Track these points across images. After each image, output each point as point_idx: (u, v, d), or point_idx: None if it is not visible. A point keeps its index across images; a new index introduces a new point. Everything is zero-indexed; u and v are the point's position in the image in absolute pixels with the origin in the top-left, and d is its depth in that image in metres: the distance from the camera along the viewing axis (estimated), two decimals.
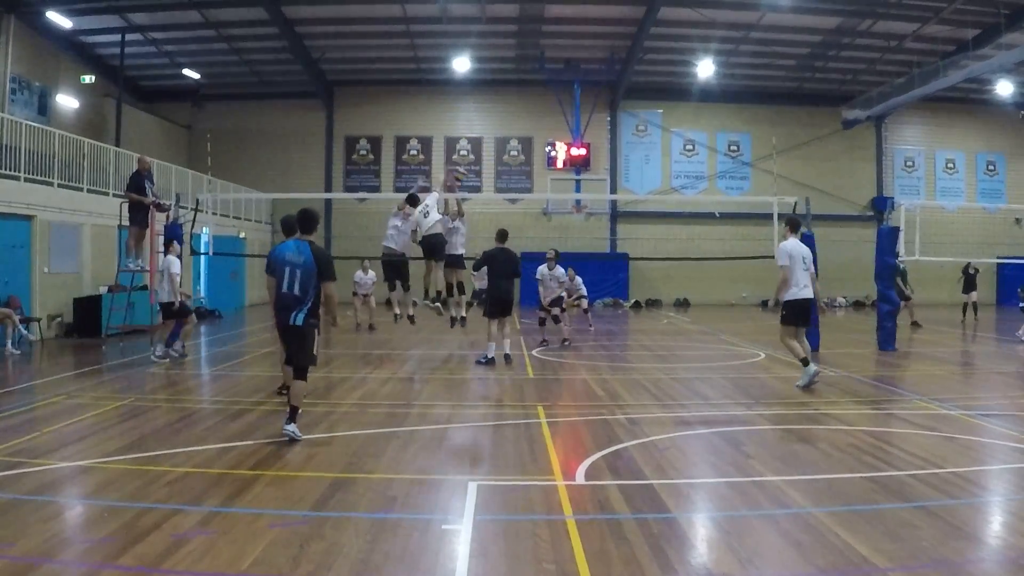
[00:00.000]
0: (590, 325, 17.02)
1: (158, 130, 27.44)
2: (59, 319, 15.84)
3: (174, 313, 12.23)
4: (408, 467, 5.99)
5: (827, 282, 19.15)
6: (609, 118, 29.54)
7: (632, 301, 28.47)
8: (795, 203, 14.09)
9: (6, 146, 14.95)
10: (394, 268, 12.24)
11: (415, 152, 29.79)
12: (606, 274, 27.75)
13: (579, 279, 16.04)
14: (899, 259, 14.62)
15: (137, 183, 13.73)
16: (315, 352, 6.82)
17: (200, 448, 6.46)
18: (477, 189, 29.02)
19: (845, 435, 6.99)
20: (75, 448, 6.40)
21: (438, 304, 11.90)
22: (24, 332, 13.63)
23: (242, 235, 25.09)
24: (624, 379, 10.58)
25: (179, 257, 12.39)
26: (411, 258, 12.38)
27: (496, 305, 11.76)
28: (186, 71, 26.72)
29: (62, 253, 15.97)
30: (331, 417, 7.78)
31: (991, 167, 31.28)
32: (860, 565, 3.96)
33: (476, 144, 29.80)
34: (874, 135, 30.50)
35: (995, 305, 27.89)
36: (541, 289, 14.82)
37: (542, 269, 14.61)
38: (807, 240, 13.72)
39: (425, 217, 11.57)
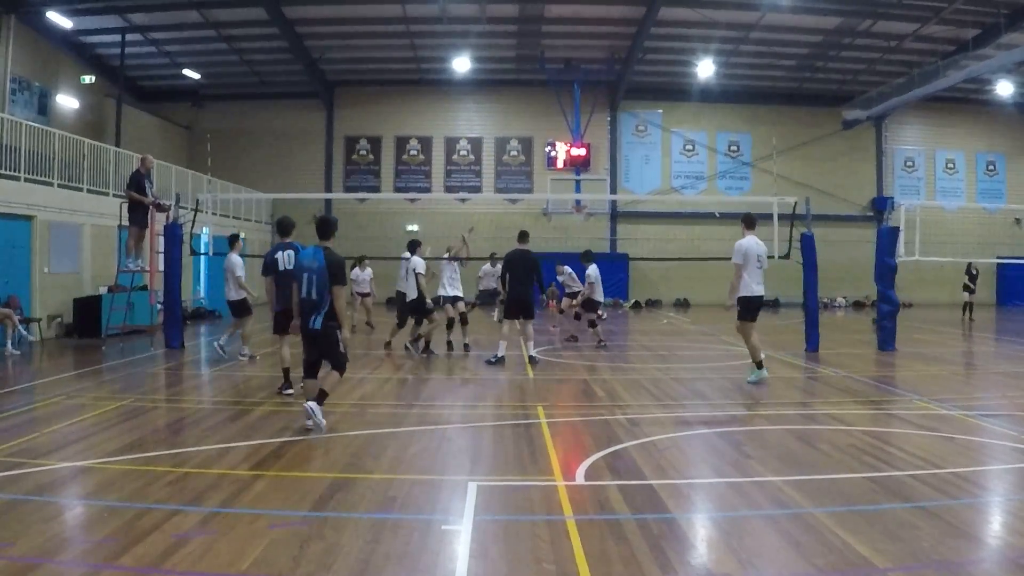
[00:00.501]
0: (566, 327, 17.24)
1: (158, 130, 27.44)
2: (59, 319, 15.84)
3: (247, 310, 12.43)
4: (408, 467, 5.99)
5: (827, 282, 19.18)
6: (609, 118, 29.55)
7: (632, 301, 28.47)
8: (795, 203, 14.09)
9: (6, 146, 14.95)
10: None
11: (415, 152, 29.79)
12: (606, 274, 27.65)
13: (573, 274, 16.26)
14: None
15: (138, 182, 13.72)
16: (343, 350, 7.18)
17: (200, 448, 6.47)
18: (477, 189, 29.05)
19: (845, 435, 6.99)
20: (75, 448, 6.40)
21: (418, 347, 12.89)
22: (24, 332, 13.63)
23: (242, 235, 25.07)
24: (624, 379, 10.58)
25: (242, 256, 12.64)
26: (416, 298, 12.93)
27: (513, 306, 11.91)
28: (186, 71, 26.74)
29: (62, 253, 15.97)
30: (331, 417, 7.77)
31: (991, 167, 31.29)
32: (860, 565, 3.96)
33: (476, 144, 29.81)
34: (874, 135, 30.51)
35: (995, 305, 27.90)
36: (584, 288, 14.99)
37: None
38: (807, 240, 13.80)
39: (406, 280, 12.44)
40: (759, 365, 9.92)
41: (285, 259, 9.02)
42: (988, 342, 16.56)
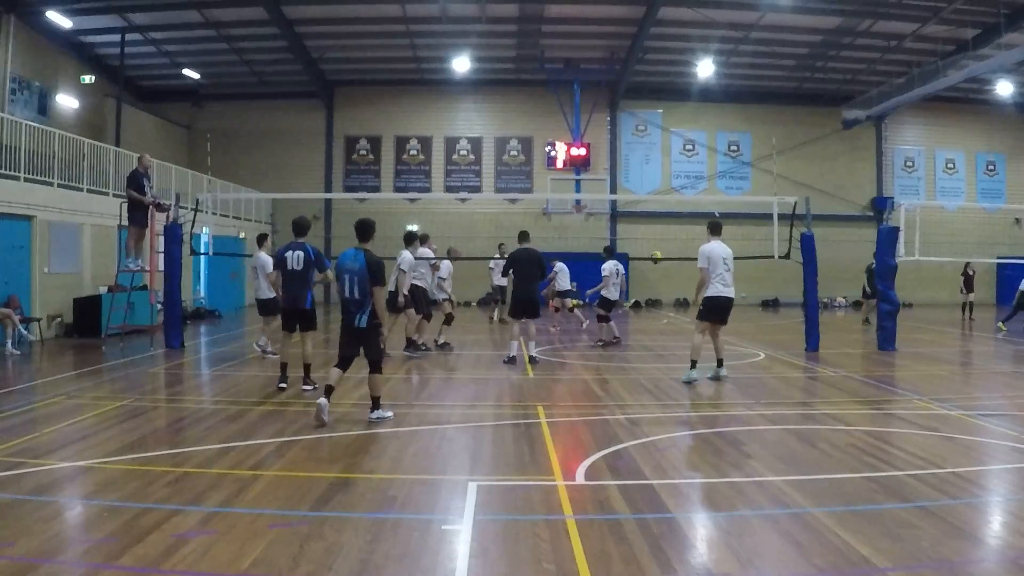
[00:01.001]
0: (567, 324, 17.35)
1: (158, 130, 27.42)
2: (59, 319, 15.84)
3: (276, 308, 12.48)
4: (408, 467, 5.99)
5: (827, 282, 19.17)
6: (609, 118, 29.54)
7: (632, 301, 28.46)
8: (795, 203, 14.09)
9: (6, 146, 14.94)
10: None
11: (415, 152, 29.78)
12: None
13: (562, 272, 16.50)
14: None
15: (137, 181, 13.72)
16: (382, 347, 7.69)
17: (200, 448, 6.47)
18: (477, 189, 29.04)
19: (845, 435, 6.99)
20: (75, 448, 6.40)
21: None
22: (24, 332, 13.62)
23: (242, 235, 25.08)
24: (624, 379, 10.58)
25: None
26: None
27: (519, 305, 11.97)
28: (186, 71, 26.71)
29: (62, 253, 15.97)
30: (331, 417, 7.78)
31: (991, 167, 31.28)
32: (860, 565, 3.96)
33: (476, 144, 29.80)
34: (874, 135, 30.50)
35: (995, 305, 27.89)
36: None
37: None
38: (807, 240, 13.79)
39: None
40: (693, 364, 10.01)
41: (294, 259, 9.14)
42: (988, 342, 16.56)
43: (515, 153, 29.83)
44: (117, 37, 23.52)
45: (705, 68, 26.11)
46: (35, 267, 15.13)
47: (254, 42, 25.48)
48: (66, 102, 23.05)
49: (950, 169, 31.17)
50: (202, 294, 22.48)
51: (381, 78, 29.15)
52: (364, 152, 29.87)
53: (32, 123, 16.44)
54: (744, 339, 15.91)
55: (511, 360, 11.73)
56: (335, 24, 24.43)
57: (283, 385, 9.25)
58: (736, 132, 30.07)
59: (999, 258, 26.38)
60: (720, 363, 10.31)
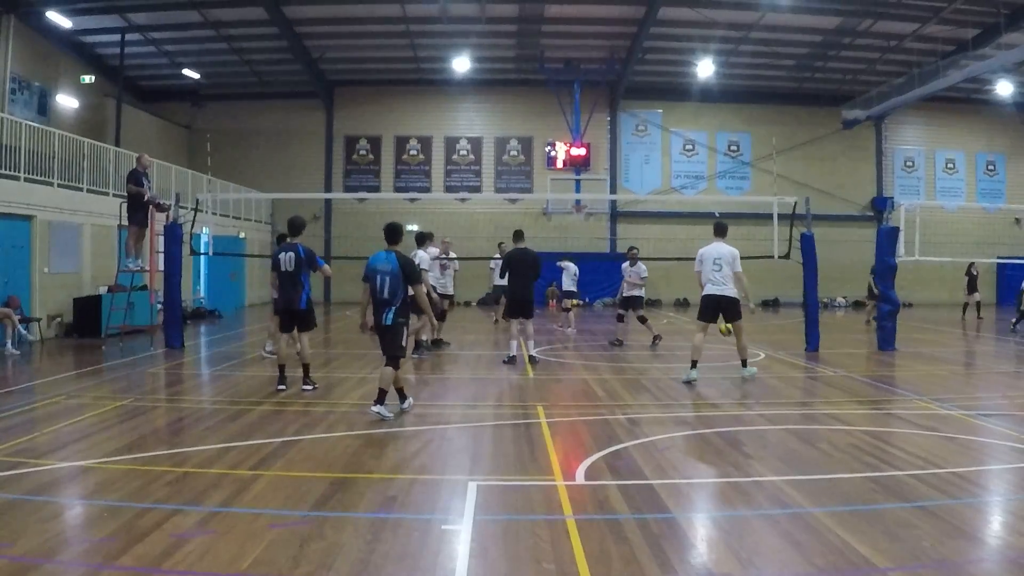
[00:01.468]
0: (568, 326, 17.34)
1: (158, 130, 27.42)
2: (59, 319, 15.84)
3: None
4: (408, 467, 5.99)
5: (827, 282, 19.16)
6: (609, 118, 29.54)
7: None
8: (795, 203, 14.09)
9: (6, 146, 14.94)
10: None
11: (415, 152, 29.78)
12: (606, 274, 27.75)
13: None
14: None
15: (136, 179, 13.71)
16: (403, 344, 7.92)
17: (200, 448, 6.46)
18: (477, 189, 29.04)
19: (845, 435, 6.99)
20: (75, 448, 6.40)
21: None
22: (24, 332, 13.62)
23: (242, 235, 25.09)
24: (624, 379, 10.58)
25: None
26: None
27: (513, 305, 12.00)
28: (186, 71, 26.71)
29: (62, 253, 15.97)
30: (331, 417, 7.78)
31: (991, 167, 31.28)
32: (860, 565, 3.96)
33: (476, 144, 29.80)
34: (874, 135, 30.50)
35: (995, 305, 27.90)
36: (624, 286, 15.16)
37: (624, 266, 15.00)
38: (807, 240, 13.79)
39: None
40: (694, 364, 10.09)
41: (286, 260, 9.14)
42: (988, 342, 16.56)
43: (515, 153, 29.83)
44: (117, 37, 23.54)
45: (705, 68, 26.11)
46: (35, 267, 15.13)
47: (254, 42, 25.49)
48: (66, 102, 23.05)
49: (950, 169, 31.17)
50: (202, 294, 22.48)
51: (381, 78, 29.16)
52: (364, 152, 29.88)
53: (32, 123, 16.44)
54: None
55: (511, 360, 11.74)
56: (335, 24, 24.44)
57: (282, 387, 9.19)
58: (736, 132, 30.07)
59: (999, 258, 26.37)
60: (744, 363, 10.35)
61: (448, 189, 29.25)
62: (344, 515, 4.76)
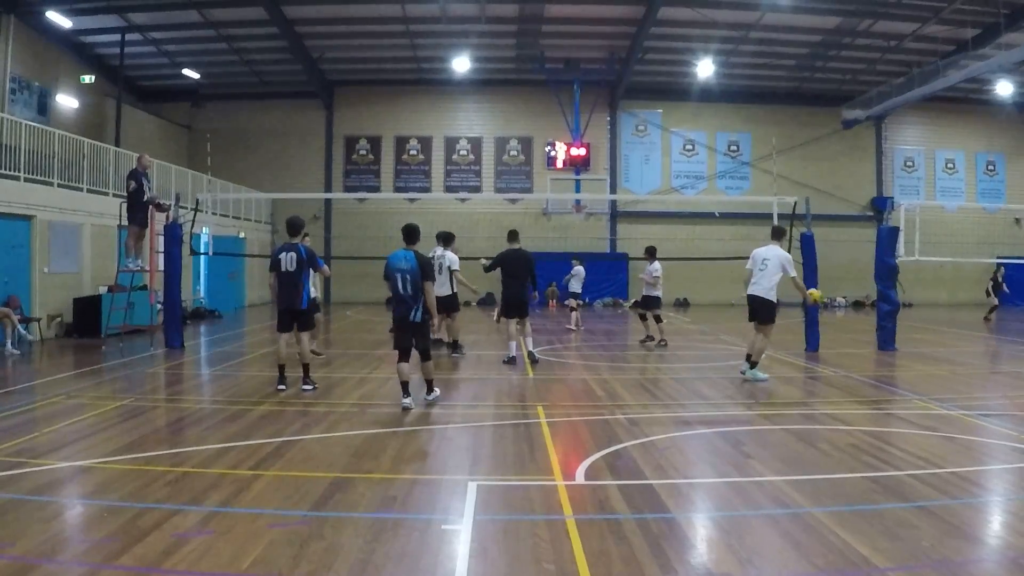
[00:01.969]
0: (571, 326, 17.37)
1: (158, 130, 27.43)
2: (59, 319, 15.84)
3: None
4: (408, 467, 5.99)
5: (827, 282, 19.13)
6: (609, 118, 29.54)
7: (632, 301, 28.43)
8: (795, 203, 14.09)
9: (6, 146, 14.94)
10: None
11: (415, 152, 29.79)
12: (606, 274, 27.77)
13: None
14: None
15: (136, 179, 13.71)
16: (431, 338, 8.57)
17: (200, 448, 6.47)
18: (477, 189, 29.04)
19: (845, 435, 6.99)
20: (75, 448, 6.40)
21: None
22: (24, 332, 13.62)
23: (242, 235, 25.10)
24: (624, 379, 10.58)
25: None
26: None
27: (509, 305, 11.98)
28: (186, 71, 26.72)
29: (62, 253, 15.97)
30: (331, 417, 7.79)
31: (991, 167, 31.29)
32: (860, 565, 3.96)
33: (476, 144, 29.80)
34: (874, 135, 30.51)
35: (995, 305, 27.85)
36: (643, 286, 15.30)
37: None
38: (807, 240, 13.79)
39: (439, 274, 12.16)
40: (752, 364, 10.26)
41: (287, 261, 9.14)
42: (988, 342, 16.56)
43: (515, 153, 29.83)
44: (117, 37, 23.54)
45: (705, 68, 26.11)
46: (35, 267, 15.13)
47: (254, 42, 25.50)
48: (66, 102, 23.05)
49: (950, 169, 31.18)
50: (202, 294, 22.48)
51: (381, 78, 29.16)
52: (364, 152, 29.88)
53: (32, 123, 16.44)
54: (744, 339, 15.87)
55: (511, 360, 11.74)
56: (335, 24, 24.44)
57: (282, 387, 9.19)
58: (736, 132, 30.07)
59: (999, 258, 26.37)
60: (753, 364, 10.38)
61: (448, 189, 29.26)
62: (344, 515, 4.76)
